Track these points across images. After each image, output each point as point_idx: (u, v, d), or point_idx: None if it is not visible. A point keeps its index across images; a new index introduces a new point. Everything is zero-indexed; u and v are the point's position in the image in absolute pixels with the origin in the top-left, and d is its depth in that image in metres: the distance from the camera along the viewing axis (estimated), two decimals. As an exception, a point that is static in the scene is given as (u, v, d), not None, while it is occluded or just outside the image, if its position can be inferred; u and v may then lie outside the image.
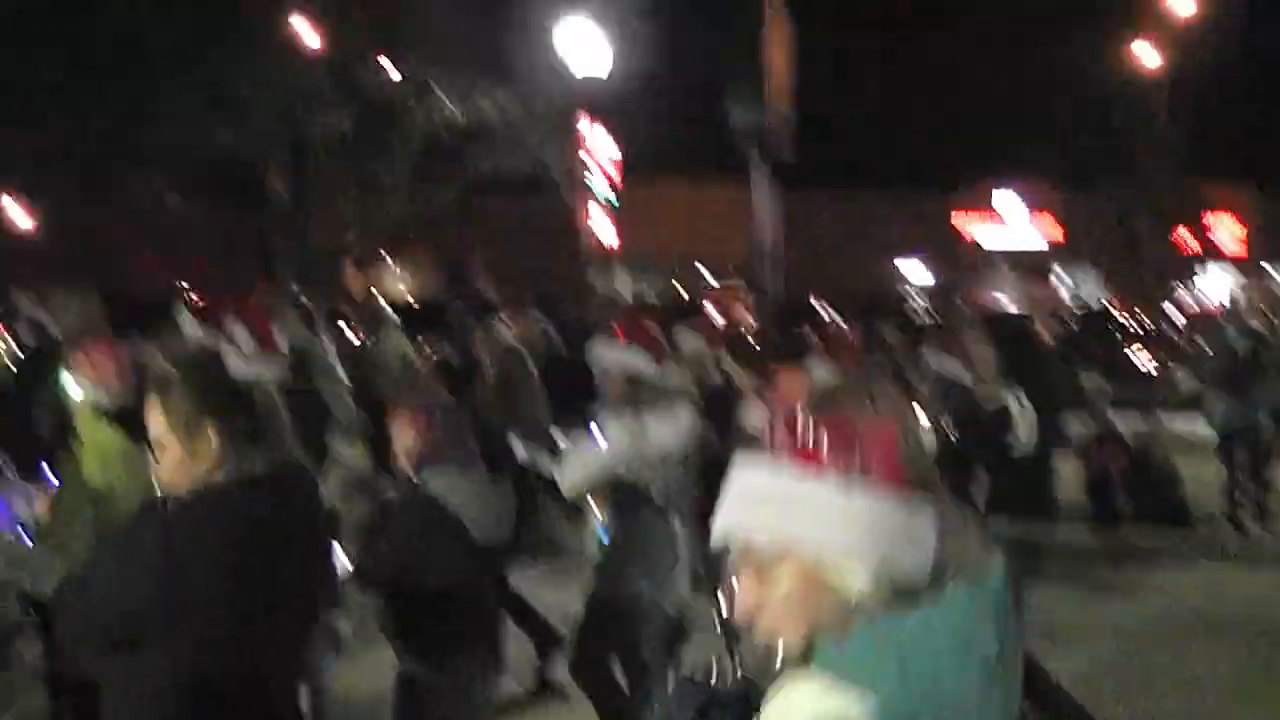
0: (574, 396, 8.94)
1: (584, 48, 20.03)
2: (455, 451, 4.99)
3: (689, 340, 9.94)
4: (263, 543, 3.45)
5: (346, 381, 10.96)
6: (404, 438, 5.04)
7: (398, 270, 57.08)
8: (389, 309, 17.10)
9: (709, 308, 39.54)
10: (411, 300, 38.20)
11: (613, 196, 28.05)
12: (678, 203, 55.41)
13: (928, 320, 32.94)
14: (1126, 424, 14.26)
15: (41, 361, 7.67)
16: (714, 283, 55.55)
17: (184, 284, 35.65)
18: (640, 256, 56.52)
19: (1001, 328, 15.54)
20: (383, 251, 45.01)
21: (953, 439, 7.20)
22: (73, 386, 5.21)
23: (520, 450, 7.26)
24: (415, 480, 5.01)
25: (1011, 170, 57.28)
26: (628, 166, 32.43)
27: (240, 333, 6.36)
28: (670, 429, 5.90)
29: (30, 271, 42.99)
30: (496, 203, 40.36)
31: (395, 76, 26.49)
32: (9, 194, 34.34)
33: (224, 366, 3.72)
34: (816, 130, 37.80)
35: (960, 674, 1.98)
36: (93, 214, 29.70)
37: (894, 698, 1.95)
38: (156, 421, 3.52)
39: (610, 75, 21.72)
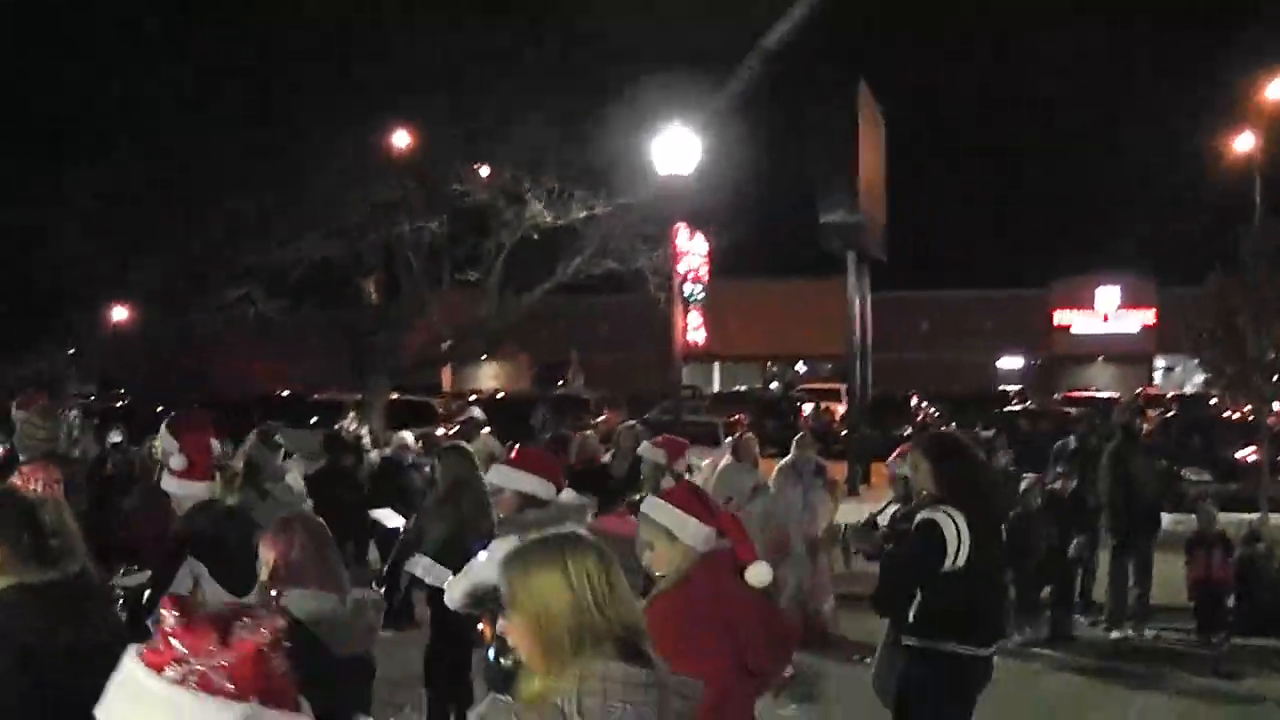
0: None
1: (673, 148, 20.03)
2: (314, 570, 4.87)
3: (649, 453, 10.05)
4: (45, 648, 3.86)
5: (303, 491, 11.08)
6: (265, 557, 4.96)
7: (493, 370, 57.65)
8: (478, 410, 17.11)
9: (803, 404, 39.53)
10: (503, 398, 38.41)
11: (700, 295, 27.99)
12: (772, 301, 55.42)
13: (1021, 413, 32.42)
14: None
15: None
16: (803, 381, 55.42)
17: (279, 388, 36.04)
18: (734, 354, 56.71)
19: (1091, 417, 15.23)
20: (480, 352, 45.33)
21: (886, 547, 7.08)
22: None
23: (418, 566, 7.23)
24: (273, 599, 4.91)
25: (1110, 264, 56.84)
26: (723, 267, 32.40)
27: (176, 455, 6.25)
28: None
29: (130, 371, 43.93)
30: (590, 302, 40.49)
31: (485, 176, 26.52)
32: (116, 301, 34.98)
33: (17, 492, 4.50)
34: (910, 229, 37.87)
35: None
36: (185, 318, 29.95)
37: None
38: None
39: (703, 176, 21.64)
